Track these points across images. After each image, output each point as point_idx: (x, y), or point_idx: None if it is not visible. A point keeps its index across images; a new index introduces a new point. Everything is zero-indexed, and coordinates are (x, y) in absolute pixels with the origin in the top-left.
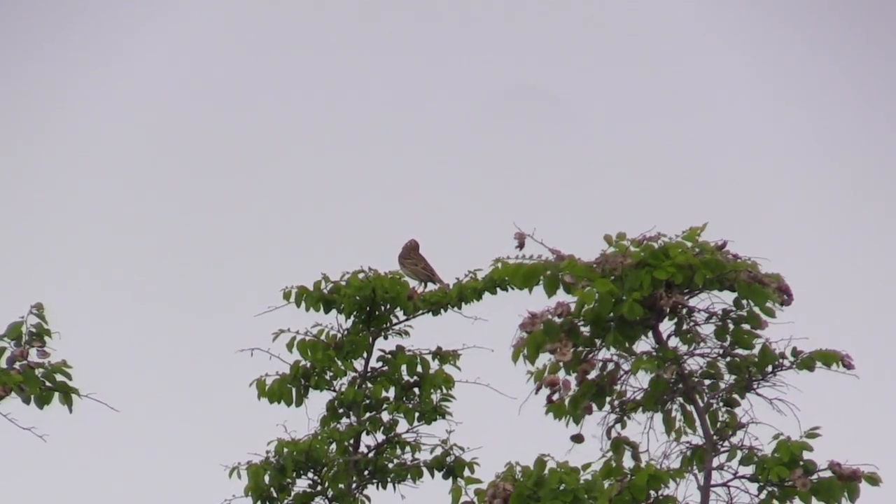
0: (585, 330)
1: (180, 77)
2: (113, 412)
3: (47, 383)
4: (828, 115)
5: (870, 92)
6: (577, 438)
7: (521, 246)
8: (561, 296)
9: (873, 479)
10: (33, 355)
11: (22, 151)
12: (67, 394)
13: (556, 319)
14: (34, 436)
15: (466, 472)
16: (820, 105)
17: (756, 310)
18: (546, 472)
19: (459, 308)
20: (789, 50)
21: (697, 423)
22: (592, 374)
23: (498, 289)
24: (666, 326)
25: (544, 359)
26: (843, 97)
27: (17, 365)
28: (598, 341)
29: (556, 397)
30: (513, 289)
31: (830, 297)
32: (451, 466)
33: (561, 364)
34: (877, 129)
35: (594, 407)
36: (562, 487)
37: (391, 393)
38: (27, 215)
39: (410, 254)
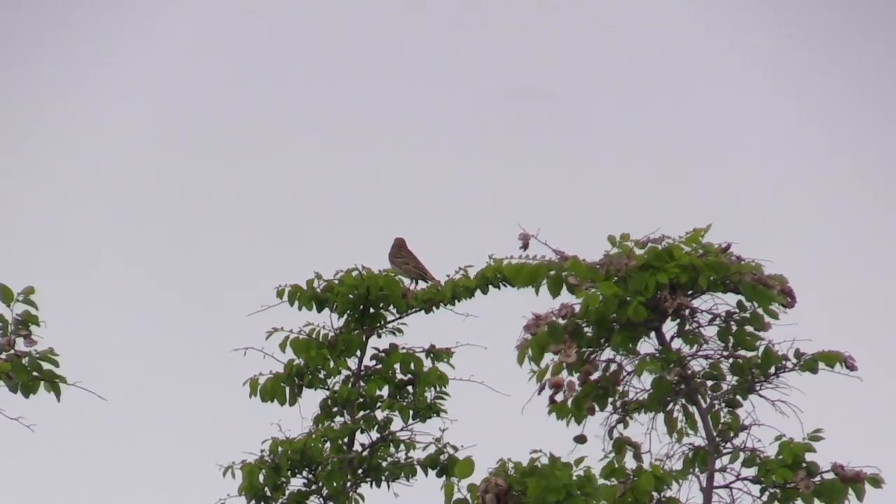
0: (589, 331)
1: (176, 75)
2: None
3: (34, 373)
4: (833, 112)
5: (873, 88)
6: (581, 439)
7: (525, 246)
8: (564, 296)
9: (876, 481)
10: (20, 344)
11: (25, 143)
12: (54, 382)
13: (560, 321)
14: (22, 426)
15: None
16: (823, 102)
17: (759, 311)
18: (538, 466)
19: (453, 305)
20: (793, 47)
21: (700, 424)
22: (595, 375)
23: (490, 286)
24: (669, 328)
25: (547, 359)
26: (846, 93)
27: (3, 354)
28: (601, 342)
29: (559, 398)
30: (505, 286)
31: (833, 297)
32: (445, 465)
33: (564, 365)
34: (884, 127)
35: (597, 408)
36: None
37: (385, 391)
38: (22, 211)
39: (400, 252)
